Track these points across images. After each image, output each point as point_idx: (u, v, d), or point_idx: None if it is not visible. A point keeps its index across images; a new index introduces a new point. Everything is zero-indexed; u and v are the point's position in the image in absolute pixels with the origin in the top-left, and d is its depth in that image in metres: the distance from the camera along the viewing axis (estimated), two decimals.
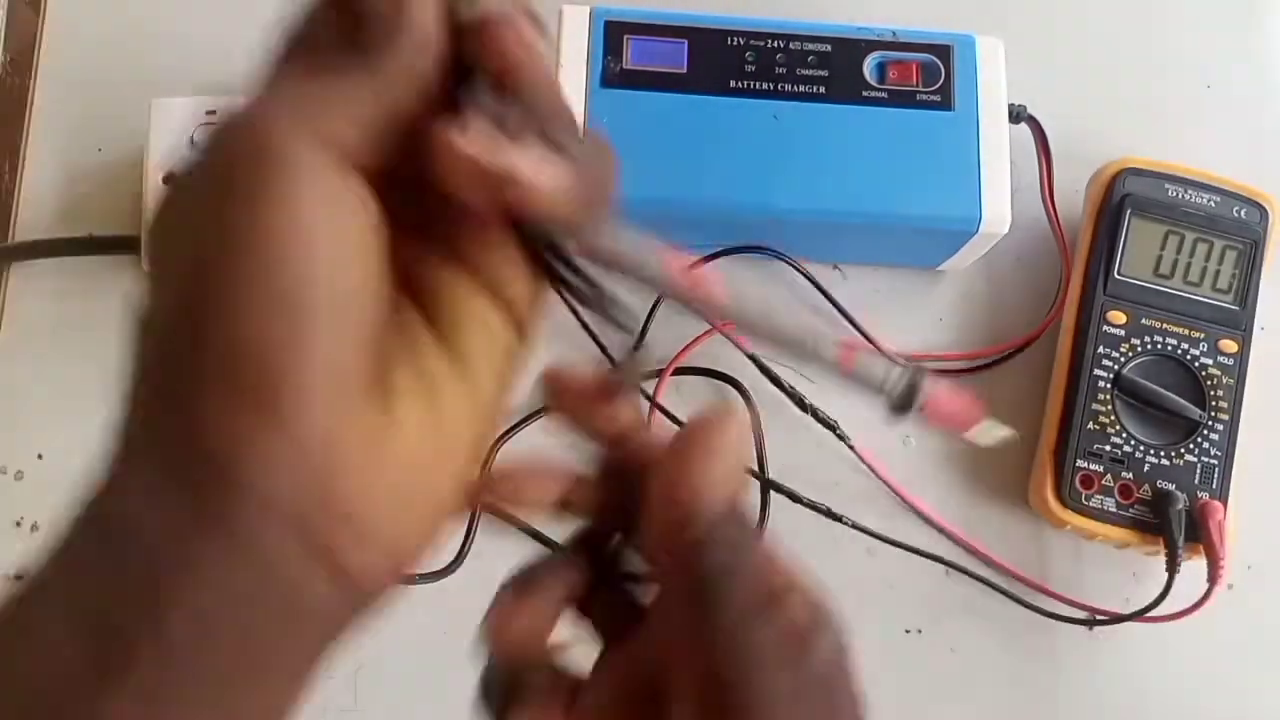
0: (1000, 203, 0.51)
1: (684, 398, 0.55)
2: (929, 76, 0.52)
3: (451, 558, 0.49)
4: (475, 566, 0.50)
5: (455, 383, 0.21)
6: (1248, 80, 0.63)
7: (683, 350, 0.54)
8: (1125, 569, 0.54)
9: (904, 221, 0.52)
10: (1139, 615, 0.51)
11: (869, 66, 0.52)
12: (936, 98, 0.52)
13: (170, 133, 0.51)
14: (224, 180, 0.19)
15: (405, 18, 0.20)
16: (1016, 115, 0.55)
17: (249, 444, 0.18)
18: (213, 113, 0.51)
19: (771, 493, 0.53)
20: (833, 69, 0.52)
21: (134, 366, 0.20)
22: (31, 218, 0.56)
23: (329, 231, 0.19)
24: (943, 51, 0.53)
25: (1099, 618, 0.53)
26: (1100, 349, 0.54)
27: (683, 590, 0.23)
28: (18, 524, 0.51)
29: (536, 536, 0.47)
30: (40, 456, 0.52)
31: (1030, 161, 0.57)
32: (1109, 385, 0.53)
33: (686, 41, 0.52)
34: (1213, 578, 0.50)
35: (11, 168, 0.56)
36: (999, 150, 0.52)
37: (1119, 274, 0.54)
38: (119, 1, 0.59)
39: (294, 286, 0.18)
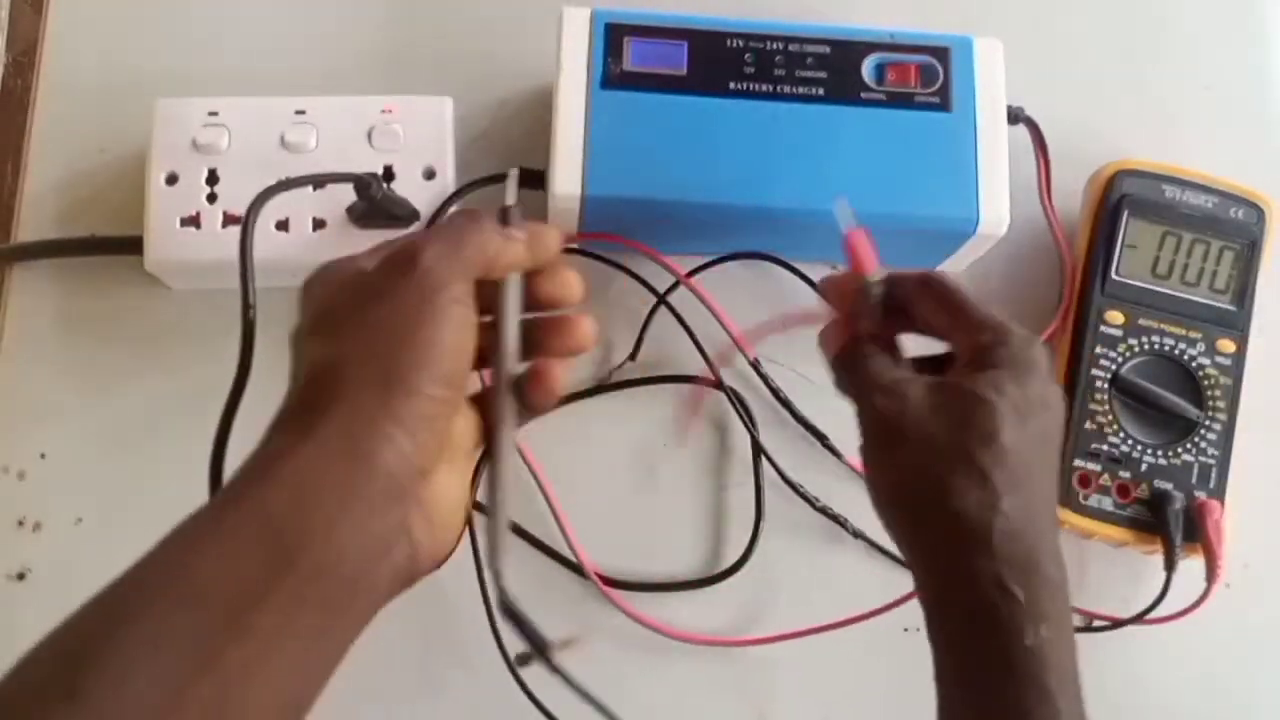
0: (998, 204, 0.51)
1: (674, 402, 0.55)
2: (927, 78, 0.53)
3: None
4: None
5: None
6: (1245, 81, 0.64)
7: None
8: (1123, 568, 0.54)
9: (902, 223, 0.52)
10: (1138, 619, 0.51)
11: (867, 68, 0.53)
12: (935, 99, 0.52)
13: (173, 133, 0.51)
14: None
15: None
16: (1014, 116, 0.55)
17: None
18: (215, 114, 0.52)
19: (768, 493, 0.54)
20: (831, 70, 0.52)
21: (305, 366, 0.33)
22: (34, 218, 0.56)
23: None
24: (941, 53, 0.53)
25: (1097, 623, 0.53)
26: (1098, 349, 0.54)
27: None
28: (20, 523, 0.51)
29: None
30: (43, 456, 0.52)
31: (1028, 162, 0.57)
32: (1107, 385, 0.53)
33: (686, 43, 0.52)
34: (1210, 577, 0.50)
35: (14, 168, 0.56)
36: (997, 151, 0.52)
37: (1116, 275, 0.55)
38: (122, 2, 0.59)
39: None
